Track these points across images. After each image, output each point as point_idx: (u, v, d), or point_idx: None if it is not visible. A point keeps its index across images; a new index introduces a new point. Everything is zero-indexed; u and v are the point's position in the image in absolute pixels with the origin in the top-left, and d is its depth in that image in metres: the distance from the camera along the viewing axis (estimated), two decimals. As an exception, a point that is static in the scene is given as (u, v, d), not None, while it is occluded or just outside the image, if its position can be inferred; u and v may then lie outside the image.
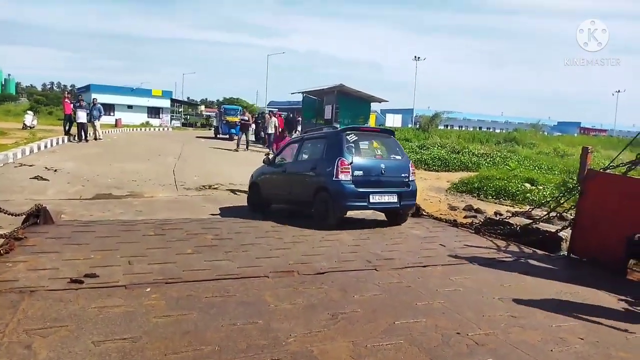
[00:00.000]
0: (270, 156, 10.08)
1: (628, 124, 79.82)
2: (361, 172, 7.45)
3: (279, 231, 7.38)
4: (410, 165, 8.13)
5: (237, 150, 21.64)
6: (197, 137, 29.48)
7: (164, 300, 4.10)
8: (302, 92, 25.16)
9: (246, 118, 23.59)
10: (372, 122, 27.59)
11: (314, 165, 8.02)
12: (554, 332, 3.92)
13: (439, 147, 21.88)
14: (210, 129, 37.09)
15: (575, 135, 54.70)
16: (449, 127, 54.55)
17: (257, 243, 6.49)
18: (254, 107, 69.59)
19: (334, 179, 7.36)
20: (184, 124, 51.49)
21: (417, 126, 41.22)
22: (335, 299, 4.44)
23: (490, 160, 18.94)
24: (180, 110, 57.87)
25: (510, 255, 6.61)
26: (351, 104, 23.20)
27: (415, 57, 61.80)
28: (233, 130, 25.95)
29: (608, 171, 6.90)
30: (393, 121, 55.50)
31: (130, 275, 4.74)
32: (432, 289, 4.86)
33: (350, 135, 7.79)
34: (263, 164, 9.87)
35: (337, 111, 22.86)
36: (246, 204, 10.19)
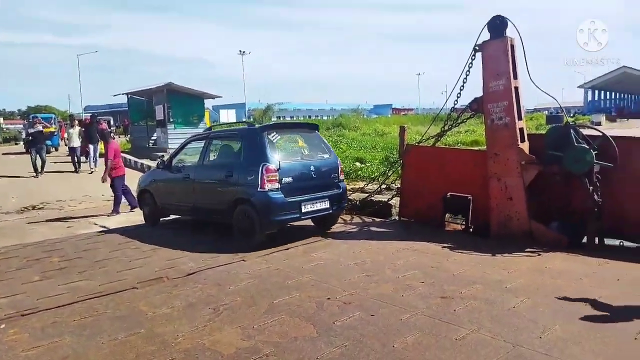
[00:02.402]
0: (165, 158, 8.36)
1: (429, 102, 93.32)
2: (290, 178, 6.34)
3: (132, 241, 7.08)
4: (339, 163, 7.24)
5: (38, 176, 15.59)
6: (4, 153, 25.27)
7: (27, 333, 3.76)
8: (127, 94, 23.38)
9: (40, 128, 17.25)
10: (206, 120, 27.21)
11: (230, 172, 6.59)
12: (401, 282, 4.74)
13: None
14: (17, 144, 32.03)
15: (389, 115, 61.90)
16: (281, 118, 56.63)
17: (112, 257, 6.17)
18: (65, 113, 61.92)
19: (259, 189, 6.12)
20: (-19, 142, 43.42)
21: (252, 119, 42.02)
22: (212, 294, 4.60)
23: (324, 146, 20.46)
24: (-27, 125, 48.46)
25: (355, 226, 7.52)
26: (183, 102, 22.48)
27: (241, 51, 62.41)
28: (49, 142, 22.74)
29: (421, 144, 8.28)
30: (227, 117, 55.21)
31: (-29, 317, 4.16)
32: (298, 267, 5.34)
33: (272, 134, 6.63)
34: (157, 167, 8.24)
35: (169, 110, 21.99)
36: (85, 220, 9.37)
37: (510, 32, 6.50)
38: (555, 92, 6.93)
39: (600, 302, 4.09)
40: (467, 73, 7.01)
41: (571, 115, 45.93)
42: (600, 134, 6.20)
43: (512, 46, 6.49)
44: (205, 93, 23.44)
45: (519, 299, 4.20)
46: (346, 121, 34.81)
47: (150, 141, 22.61)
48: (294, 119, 56.92)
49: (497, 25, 6.50)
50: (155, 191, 8.21)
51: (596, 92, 69.07)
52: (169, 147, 19.32)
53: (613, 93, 75.08)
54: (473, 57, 6.85)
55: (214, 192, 6.95)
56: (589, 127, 7.11)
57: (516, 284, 4.61)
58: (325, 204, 6.66)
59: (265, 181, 6.12)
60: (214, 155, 7.45)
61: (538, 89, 6.76)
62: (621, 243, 6.10)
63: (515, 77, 6.52)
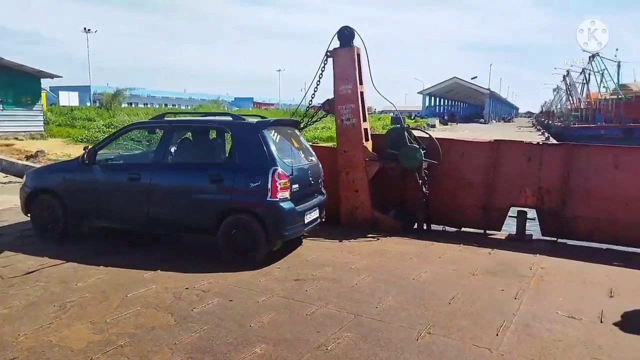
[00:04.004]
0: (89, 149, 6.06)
1: (290, 98, 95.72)
2: (297, 184, 5.49)
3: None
4: (321, 166, 6.46)
5: None
6: None
7: None
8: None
9: None
10: (43, 101, 24.27)
11: (217, 176, 5.36)
12: (259, 269, 5.02)
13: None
14: None
15: (250, 109, 62.17)
16: (133, 105, 52.78)
17: None
18: None
19: (269, 198, 5.16)
20: None
21: (98, 104, 38.38)
22: (57, 291, 4.30)
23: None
24: None
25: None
26: (14, 80, 19.69)
27: (85, 29, 56.25)
28: None
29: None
30: (69, 99, 49.59)
31: None
32: (153, 260, 5.25)
33: (272, 132, 5.64)
34: (82, 162, 5.95)
35: (-4, 89, 19.14)
36: None
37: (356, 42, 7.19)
38: (399, 96, 7.89)
39: (424, 276, 4.90)
40: (320, 76, 7.46)
41: (412, 117, 51.59)
42: (428, 136, 7.27)
43: (359, 55, 7.20)
44: (42, 71, 20.91)
45: (361, 277, 4.80)
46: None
47: (-28, 124, 19.44)
48: (148, 106, 53.44)
49: (346, 35, 7.13)
50: (66, 194, 6.06)
51: (432, 98, 78.44)
52: (-2, 131, 17.28)
53: (445, 100, 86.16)
54: (325, 62, 7.37)
55: (187, 199, 5.53)
56: (419, 130, 8.24)
57: (359, 264, 5.24)
58: (317, 213, 5.93)
59: (277, 189, 5.19)
60: (182, 153, 6.07)
61: (379, 94, 7.64)
62: (444, 228, 7.28)
63: (361, 83, 7.24)
